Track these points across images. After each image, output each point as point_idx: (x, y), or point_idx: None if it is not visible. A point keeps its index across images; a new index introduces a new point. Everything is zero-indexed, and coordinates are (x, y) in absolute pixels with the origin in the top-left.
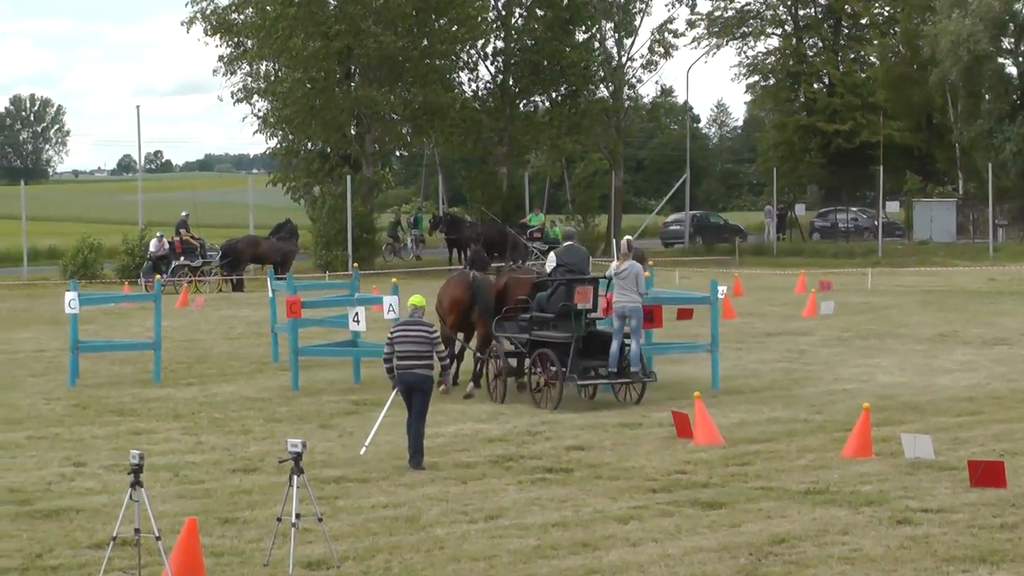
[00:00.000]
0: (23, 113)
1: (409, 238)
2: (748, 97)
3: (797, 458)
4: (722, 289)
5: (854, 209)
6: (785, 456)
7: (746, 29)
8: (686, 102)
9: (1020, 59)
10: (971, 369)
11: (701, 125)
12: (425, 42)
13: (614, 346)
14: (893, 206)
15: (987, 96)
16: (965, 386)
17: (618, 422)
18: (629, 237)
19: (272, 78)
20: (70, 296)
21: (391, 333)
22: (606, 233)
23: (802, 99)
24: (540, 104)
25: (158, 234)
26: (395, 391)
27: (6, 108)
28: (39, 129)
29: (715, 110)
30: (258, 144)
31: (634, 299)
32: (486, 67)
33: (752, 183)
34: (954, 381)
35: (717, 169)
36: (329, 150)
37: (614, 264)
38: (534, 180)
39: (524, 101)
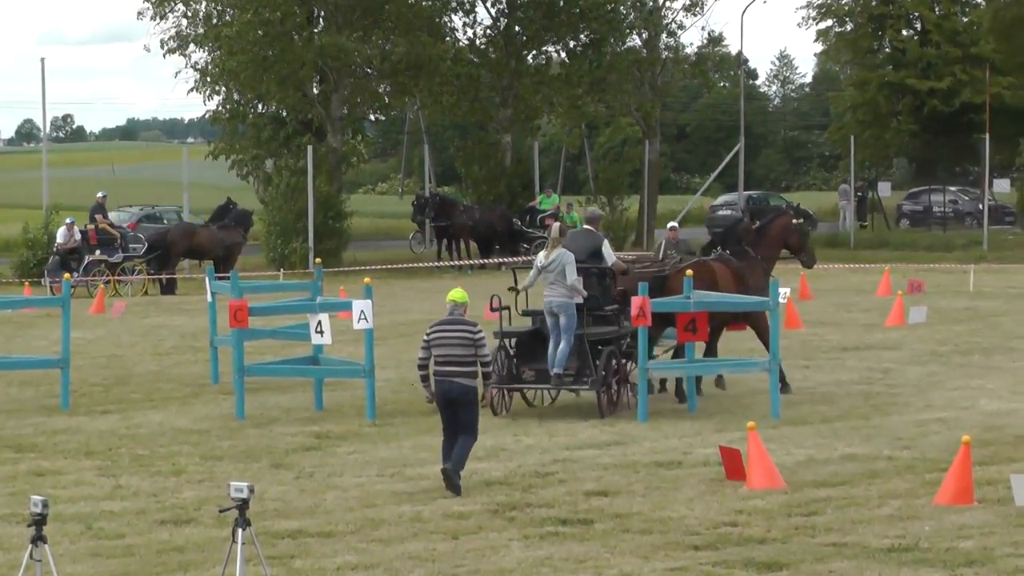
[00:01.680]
0: None
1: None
2: (819, 47)
3: (879, 506)
4: (784, 291)
5: (953, 189)
6: (864, 504)
7: None
8: (740, 53)
9: None
10: None
11: (759, 82)
12: None
13: (551, 348)
14: (1003, 185)
15: None
16: None
17: (652, 460)
18: (559, 223)
19: (215, 21)
20: None
21: (427, 334)
22: (637, 219)
23: (888, 50)
24: (554, 56)
25: (68, 221)
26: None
27: None
28: None
29: (777, 63)
30: (195, 106)
31: (564, 294)
32: (486, 9)
33: (824, 156)
34: None
35: (780, 138)
36: (286, 114)
37: (542, 254)
38: (546, 152)
39: (534, 52)
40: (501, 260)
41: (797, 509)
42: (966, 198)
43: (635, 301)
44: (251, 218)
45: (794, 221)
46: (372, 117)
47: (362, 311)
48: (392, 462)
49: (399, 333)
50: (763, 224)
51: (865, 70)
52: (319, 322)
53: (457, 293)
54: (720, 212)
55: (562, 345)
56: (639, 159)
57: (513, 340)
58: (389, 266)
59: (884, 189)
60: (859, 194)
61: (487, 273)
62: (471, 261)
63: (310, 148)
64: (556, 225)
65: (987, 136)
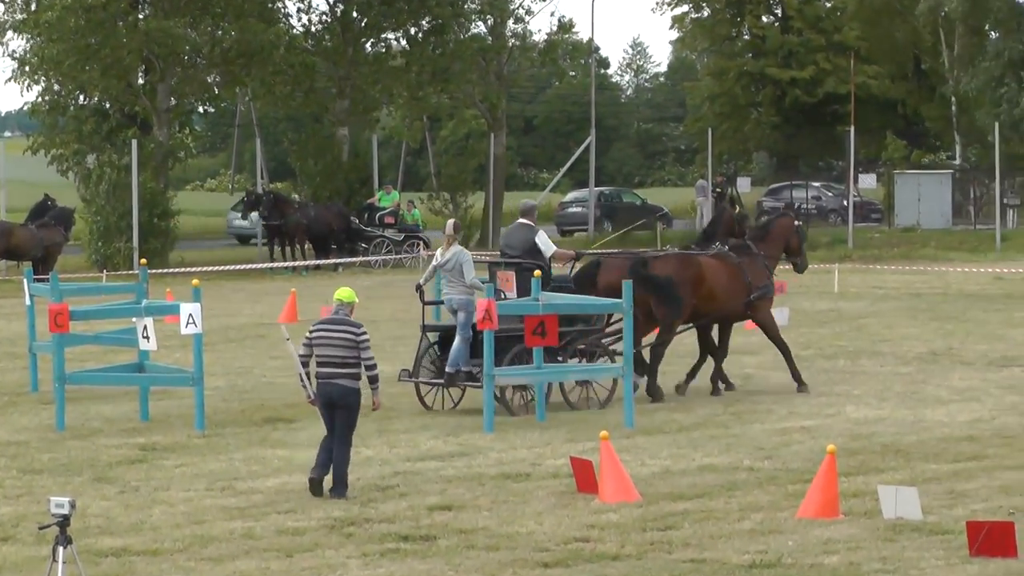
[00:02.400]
0: None
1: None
2: (674, 34)
3: (739, 520)
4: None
5: (816, 185)
6: (723, 517)
7: None
8: (591, 40)
9: None
10: (973, 399)
11: (611, 71)
12: None
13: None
14: (869, 180)
15: (993, 34)
16: (964, 422)
17: (498, 472)
18: (455, 220)
19: (33, 7)
20: None
21: (309, 333)
22: (483, 217)
23: (747, 37)
24: (394, 44)
25: None
26: (310, 399)
27: None
28: None
29: (630, 52)
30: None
31: (462, 291)
32: None
33: (680, 149)
34: (950, 415)
35: (633, 131)
36: (109, 105)
37: (438, 252)
38: (385, 146)
39: (372, 40)
40: (337, 261)
41: (652, 523)
42: (830, 194)
43: (480, 304)
44: (73, 216)
45: (796, 223)
46: (201, 109)
47: (190, 315)
48: (222, 475)
49: (229, 338)
50: (767, 222)
51: (723, 58)
52: (144, 327)
53: (344, 292)
54: (570, 209)
55: (457, 342)
56: (484, 153)
57: (437, 335)
58: (218, 267)
59: (743, 185)
60: (717, 190)
61: (322, 275)
62: (306, 262)
63: (135, 142)
64: (451, 222)
65: (852, 128)
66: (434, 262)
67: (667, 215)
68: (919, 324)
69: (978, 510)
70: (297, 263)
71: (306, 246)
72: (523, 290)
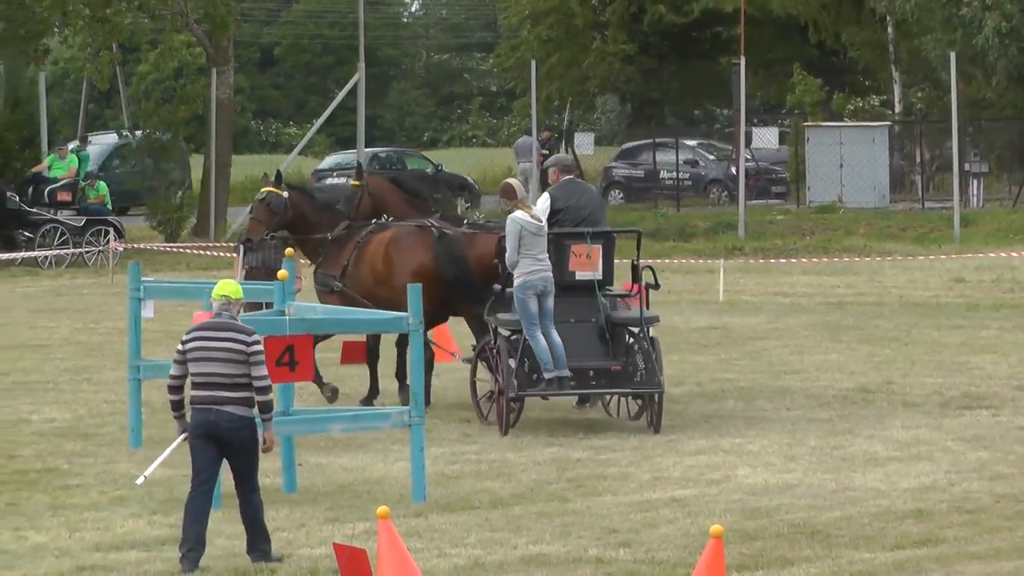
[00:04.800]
0: None
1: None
2: None
3: None
4: None
5: (691, 143)
6: None
7: None
8: None
9: None
10: (921, 457)
11: None
12: None
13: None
14: (768, 137)
15: None
16: (909, 490)
17: (229, 568)
18: (512, 180)
19: None
20: None
21: (182, 345)
22: (200, 192)
23: None
24: None
25: None
26: (182, 436)
27: None
28: None
29: None
30: None
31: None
32: None
33: (490, 92)
34: (888, 481)
35: (420, 65)
36: None
37: (525, 215)
38: (58, 89)
39: None
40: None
41: None
42: (711, 157)
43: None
44: None
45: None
46: None
47: None
48: None
49: None
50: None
51: None
52: None
53: (227, 285)
54: (330, 180)
55: (555, 337)
56: (202, 99)
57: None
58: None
59: (584, 143)
60: (545, 151)
61: None
62: None
63: None
64: (513, 182)
65: (742, 61)
66: (532, 227)
67: (472, 188)
68: (843, 348)
69: None
70: None
71: None
72: (607, 272)
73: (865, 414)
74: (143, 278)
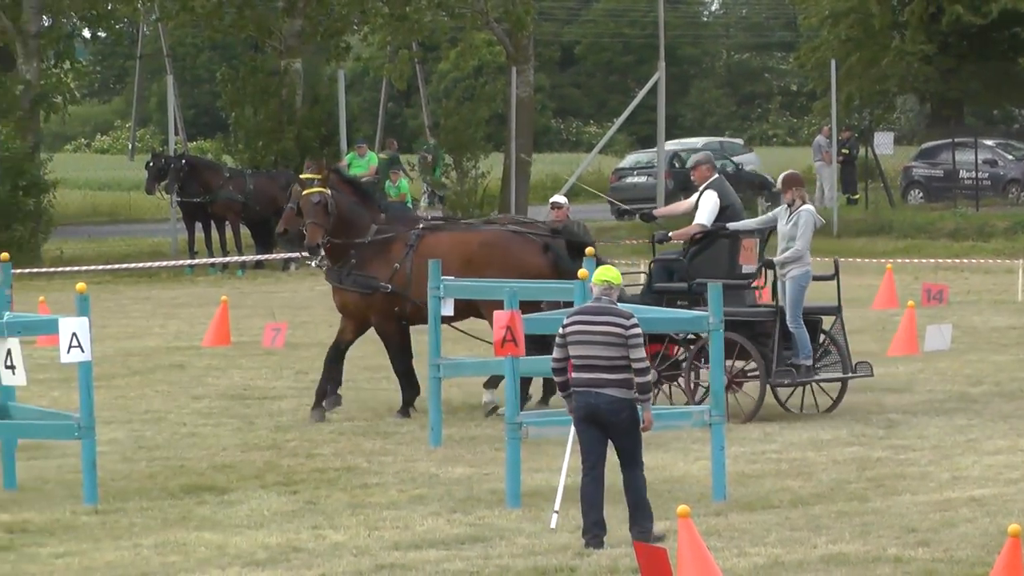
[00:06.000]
0: None
1: (424, 194)
2: None
3: None
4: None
5: (990, 143)
6: None
7: None
8: None
9: None
10: None
11: None
12: None
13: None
14: None
15: None
16: None
17: (529, 567)
18: (791, 172)
19: None
20: None
21: (563, 327)
22: (501, 189)
23: None
24: None
25: None
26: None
27: None
28: None
29: None
30: None
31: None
32: None
33: (789, 92)
34: None
35: (720, 65)
36: None
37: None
38: (358, 87)
39: None
40: (288, 255)
41: None
42: (1009, 157)
43: (498, 317)
44: None
45: None
46: (87, 32)
47: (74, 334)
48: (123, 570)
49: (132, 369)
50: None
51: None
52: (7, 352)
53: (608, 271)
54: (629, 179)
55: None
56: (502, 97)
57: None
58: (114, 265)
59: (883, 143)
60: (845, 150)
61: (266, 275)
62: (242, 257)
63: None
64: (790, 174)
65: None
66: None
67: (771, 187)
68: None
69: None
70: (229, 258)
71: (241, 233)
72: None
73: None
74: (442, 277)
